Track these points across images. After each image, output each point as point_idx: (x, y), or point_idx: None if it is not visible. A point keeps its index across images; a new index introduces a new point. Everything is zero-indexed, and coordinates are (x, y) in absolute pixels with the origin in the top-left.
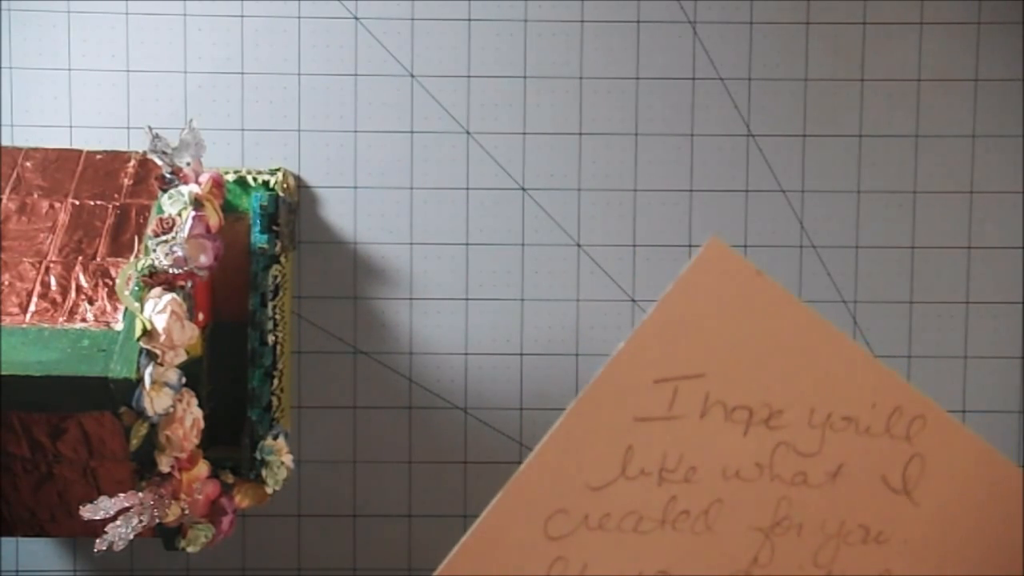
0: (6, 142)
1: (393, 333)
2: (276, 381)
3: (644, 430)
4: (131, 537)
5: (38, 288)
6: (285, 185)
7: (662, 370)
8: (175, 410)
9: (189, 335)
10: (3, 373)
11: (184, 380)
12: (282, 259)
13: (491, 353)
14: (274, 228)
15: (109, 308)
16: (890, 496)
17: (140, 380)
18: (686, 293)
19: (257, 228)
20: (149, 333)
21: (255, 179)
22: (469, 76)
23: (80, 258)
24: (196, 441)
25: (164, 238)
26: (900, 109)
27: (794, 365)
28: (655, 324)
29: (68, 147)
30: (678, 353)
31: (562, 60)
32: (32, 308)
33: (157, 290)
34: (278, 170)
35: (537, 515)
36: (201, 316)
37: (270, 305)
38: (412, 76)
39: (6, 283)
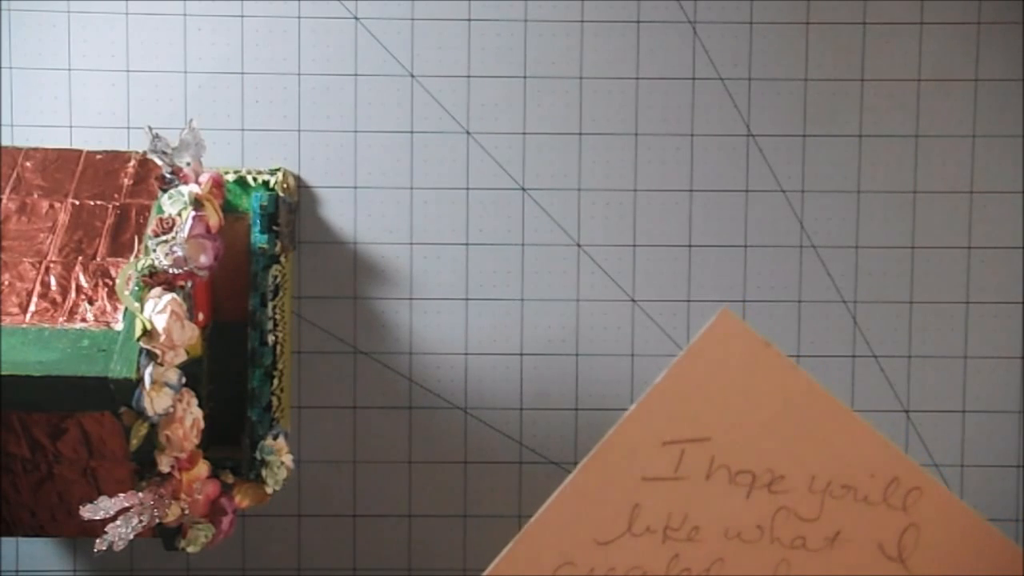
0: (6, 142)
1: (393, 333)
2: (276, 381)
3: (651, 489)
4: (131, 537)
5: (38, 288)
6: (285, 185)
7: (670, 433)
8: (175, 410)
9: (189, 335)
10: (3, 373)
11: (184, 380)
12: (282, 259)
13: (491, 353)
14: (274, 228)
15: (109, 308)
16: (885, 563)
17: (140, 380)
18: (696, 360)
19: (257, 228)
20: (149, 333)
21: (255, 179)
22: (469, 76)
23: (80, 258)
24: (196, 441)
25: (164, 238)
26: (900, 109)
27: (797, 433)
28: (665, 389)
29: (68, 147)
30: (686, 417)
31: (562, 60)
32: (32, 308)
33: (157, 290)
34: (278, 170)
35: (545, 567)
36: (201, 316)
37: (270, 305)
38: (412, 76)
39: (6, 283)
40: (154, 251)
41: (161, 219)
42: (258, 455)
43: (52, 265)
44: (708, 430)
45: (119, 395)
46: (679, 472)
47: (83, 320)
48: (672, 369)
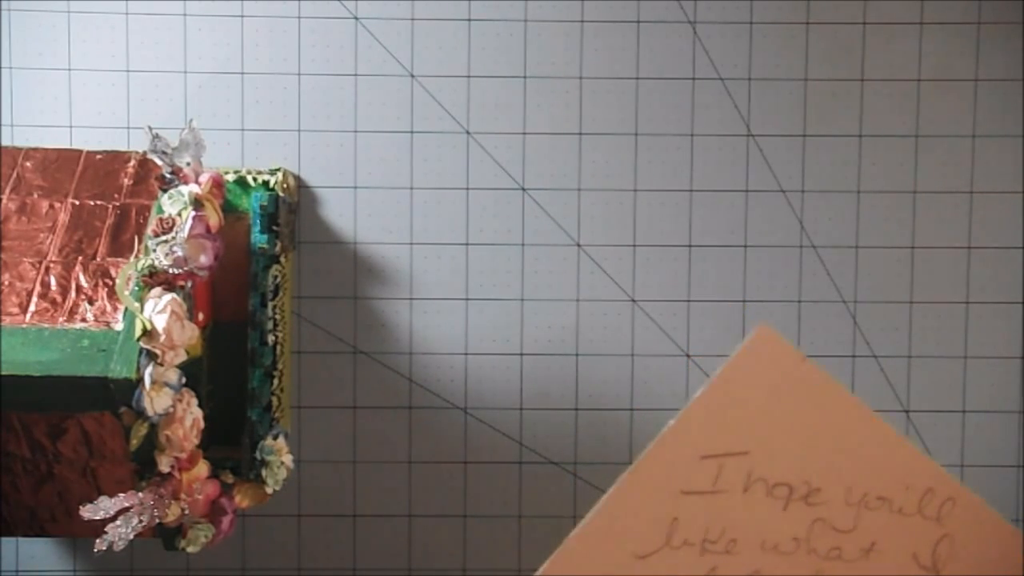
0: (6, 142)
1: (393, 333)
2: (276, 381)
3: (689, 503)
4: (131, 537)
5: (38, 288)
6: (285, 185)
7: (709, 447)
8: (175, 410)
9: (189, 335)
10: (3, 373)
11: (184, 380)
12: (282, 259)
13: (491, 353)
14: (274, 228)
15: (109, 308)
16: (920, 574)
17: (140, 380)
18: (734, 376)
19: (257, 228)
20: (149, 333)
21: (255, 179)
22: (469, 76)
23: (80, 258)
24: (196, 441)
25: (164, 238)
26: (900, 109)
27: (834, 446)
28: (704, 404)
29: (68, 147)
30: (724, 432)
31: (562, 60)
32: (32, 308)
33: (157, 290)
34: (278, 170)
35: None
36: (201, 316)
37: (270, 305)
38: (412, 76)
39: (6, 283)
40: (154, 251)
41: (161, 219)
42: (258, 455)
43: (52, 265)
44: (746, 444)
45: (119, 395)
46: (717, 485)
47: (83, 320)
48: (711, 384)
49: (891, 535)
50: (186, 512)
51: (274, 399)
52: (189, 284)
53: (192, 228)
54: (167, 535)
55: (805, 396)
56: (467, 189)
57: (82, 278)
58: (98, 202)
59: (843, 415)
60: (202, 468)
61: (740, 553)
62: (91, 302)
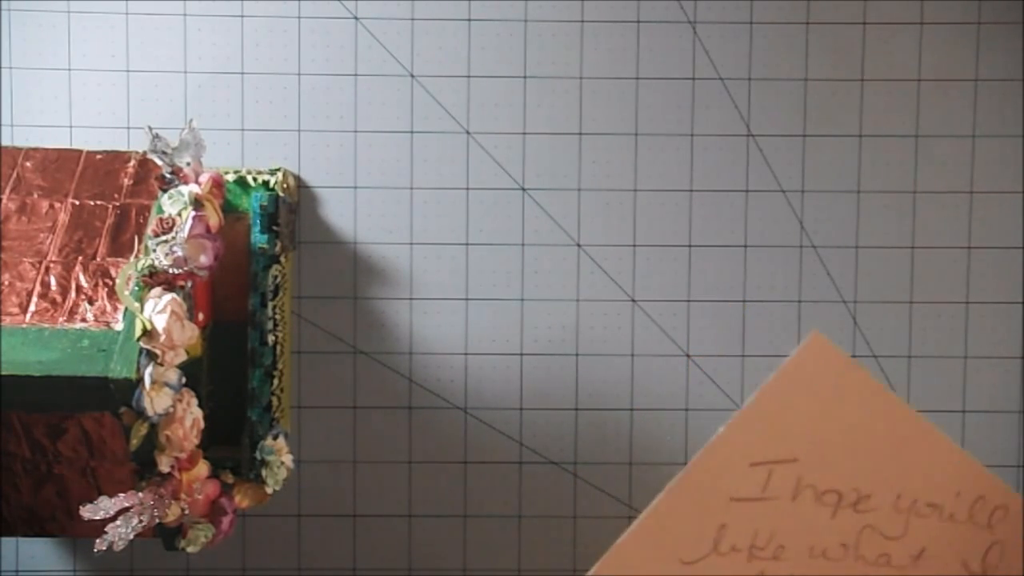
0: (6, 142)
1: (393, 333)
2: (276, 381)
3: (738, 510)
4: (131, 537)
5: (38, 288)
6: (285, 185)
7: (758, 454)
8: (175, 410)
9: (189, 335)
10: (3, 373)
11: (184, 380)
12: (282, 259)
13: (491, 353)
14: (274, 228)
15: (109, 308)
16: None
17: (140, 380)
18: (785, 383)
19: (257, 228)
20: (149, 333)
21: (255, 179)
22: (469, 76)
23: (80, 258)
24: (196, 441)
25: (164, 238)
26: (900, 109)
27: (884, 453)
28: (754, 411)
29: (68, 147)
30: (774, 439)
31: (562, 60)
32: (32, 308)
33: (157, 290)
34: (278, 170)
35: None
36: (201, 316)
37: (270, 305)
38: (412, 76)
39: (6, 283)
40: (154, 251)
41: (161, 219)
42: (258, 455)
43: (52, 265)
44: (796, 451)
45: (119, 395)
46: (766, 492)
47: (83, 320)
48: (761, 391)
49: (941, 542)
50: (186, 512)
51: (274, 399)
52: (189, 284)
53: (192, 228)
54: (167, 535)
55: (856, 403)
56: (467, 189)
57: (82, 278)
58: (98, 202)
59: (894, 421)
60: (202, 468)
61: (788, 559)
62: (91, 302)
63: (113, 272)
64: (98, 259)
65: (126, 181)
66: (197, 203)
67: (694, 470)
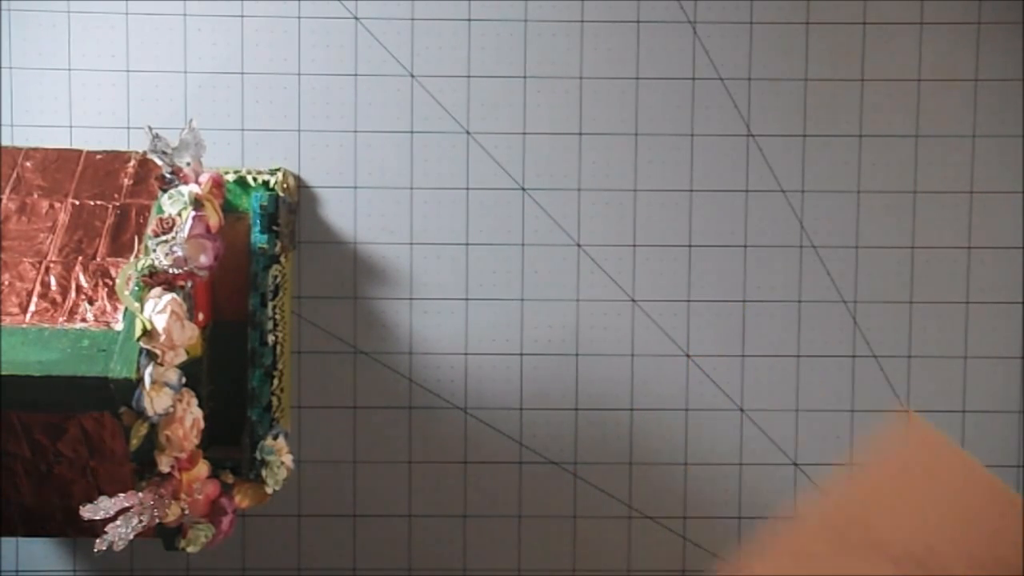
0: (6, 142)
1: (393, 333)
2: (276, 381)
3: (810, 568)
4: (131, 537)
5: (38, 288)
6: (285, 185)
7: (834, 517)
8: (175, 410)
9: (189, 335)
10: (3, 373)
11: (184, 380)
12: (282, 259)
13: (491, 353)
14: (274, 228)
15: (109, 308)
16: None
17: (140, 380)
18: (871, 456)
19: (257, 228)
20: (149, 333)
21: (255, 179)
22: (469, 76)
23: (80, 258)
24: (196, 441)
25: (164, 238)
26: (900, 109)
27: (958, 516)
28: (832, 481)
29: (68, 147)
30: (850, 502)
31: (562, 60)
32: (32, 308)
33: (157, 290)
34: (278, 170)
35: None
36: (201, 316)
37: (270, 305)
38: (412, 76)
39: (6, 283)
40: (154, 251)
41: (161, 219)
42: (258, 455)
43: (52, 265)
44: (870, 512)
45: (119, 395)
46: (838, 550)
47: (83, 320)
48: (845, 465)
49: None
50: (186, 512)
51: (274, 399)
52: (189, 284)
53: (192, 228)
54: (167, 535)
55: (936, 472)
56: (467, 189)
57: (82, 278)
58: (98, 202)
59: (971, 486)
60: (202, 468)
61: None
62: (91, 302)
63: (113, 272)
64: (98, 259)
65: (126, 181)
66: (197, 203)
67: (774, 537)
